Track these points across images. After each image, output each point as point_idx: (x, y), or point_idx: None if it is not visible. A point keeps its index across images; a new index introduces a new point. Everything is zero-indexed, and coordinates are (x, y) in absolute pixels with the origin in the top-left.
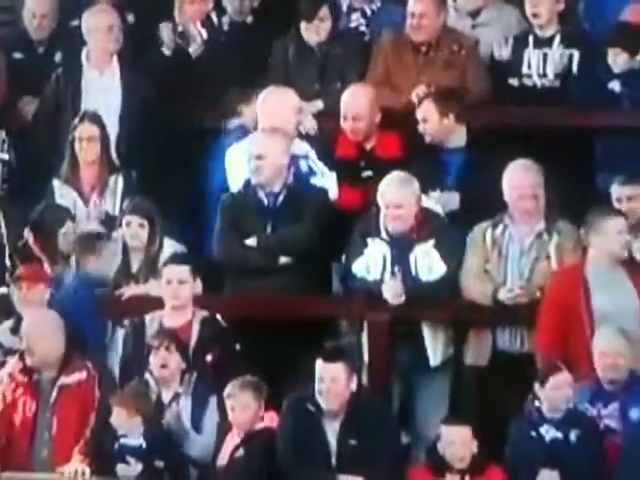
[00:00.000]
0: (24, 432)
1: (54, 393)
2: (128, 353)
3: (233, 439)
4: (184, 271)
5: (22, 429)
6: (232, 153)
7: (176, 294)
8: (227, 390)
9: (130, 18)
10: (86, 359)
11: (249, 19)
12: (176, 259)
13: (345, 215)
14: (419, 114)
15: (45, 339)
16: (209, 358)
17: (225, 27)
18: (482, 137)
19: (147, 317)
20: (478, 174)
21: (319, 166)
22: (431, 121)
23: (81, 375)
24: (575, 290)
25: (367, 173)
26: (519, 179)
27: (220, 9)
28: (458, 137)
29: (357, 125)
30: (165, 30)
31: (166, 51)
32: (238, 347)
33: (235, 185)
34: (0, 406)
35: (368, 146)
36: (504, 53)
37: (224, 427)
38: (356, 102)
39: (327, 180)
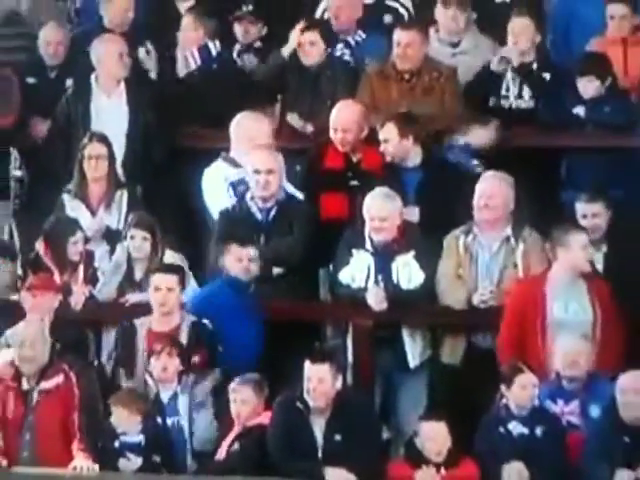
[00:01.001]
0: (14, 434)
1: (34, 398)
2: (118, 354)
3: (233, 434)
4: (172, 280)
5: (13, 432)
6: (209, 175)
7: (164, 301)
8: (232, 385)
9: (149, 45)
10: (64, 363)
11: (257, 44)
12: (165, 268)
13: (333, 222)
14: (381, 135)
15: (34, 348)
16: (196, 359)
17: (235, 53)
18: (437, 156)
19: (137, 321)
20: (434, 190)
21: (288, 185)
22: (392, 141)
23: (59, 379)
24: (533, 301)
25: (354, 182)
26: (479, 189)
27: (231, 38)
28: (415, 157)
29: (346, 136)
30: (159, 55)
31: (163, 74)
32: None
33: (213, 205)
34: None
35: (355, 158)
36: (496, 68)
37: (223, 424)
38: (345, 115)
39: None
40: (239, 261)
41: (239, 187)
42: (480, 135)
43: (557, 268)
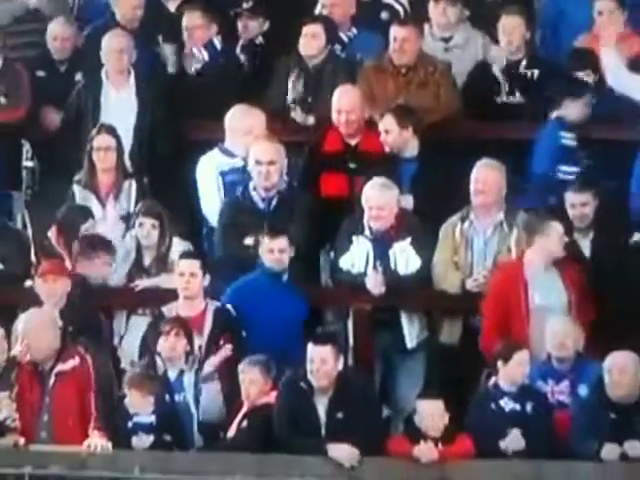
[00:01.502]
0: (32, 415)
1: (51, 380)
2: (147, 337)
3: (242, 413)
4: (195, 265)
5: (30, 412)
6: (202, 163)
7: (187, 285)
8: (240, 365)
9: (160, 39)
10: (79, 345)
11: (259, 40)
12: (188, 254)
13: (332, 200)
14: (381, 126)
15: (42, 336)
16: (222, 342)
17: (237, 49)
18: (432, 148)
19: (164, 308)
20: (428, 180)
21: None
22: (392, 132)
23: (75, 361)
24: (515, 286)
25: (352, 165)
26: (474, 175)
27: (234, 35)
28: (412, 148)
29: (350, 117)
30: (167, 51)
31: (170, 69)
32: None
33: (203, 193)
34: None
35: (353, 142)
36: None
37: (234, 403)
38: (347, 97)
39: None
40: (270, 252)
41: (227, 176)
42: (573, 109)
43: (534, 255)
